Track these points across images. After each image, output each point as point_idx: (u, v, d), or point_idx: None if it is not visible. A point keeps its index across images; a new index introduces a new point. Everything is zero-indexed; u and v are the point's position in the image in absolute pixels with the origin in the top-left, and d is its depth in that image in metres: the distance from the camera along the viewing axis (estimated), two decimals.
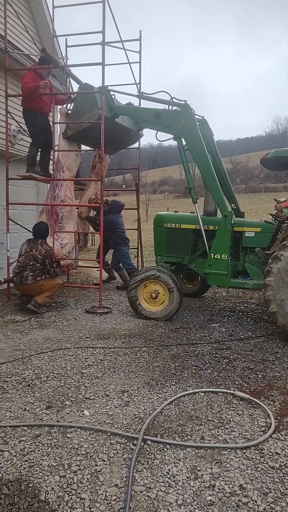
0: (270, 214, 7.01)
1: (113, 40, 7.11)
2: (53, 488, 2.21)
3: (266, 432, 2.78)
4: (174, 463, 2.45)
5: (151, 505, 2.12)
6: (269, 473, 2.38)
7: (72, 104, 6.23)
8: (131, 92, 6.32)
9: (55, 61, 6.20)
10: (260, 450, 2.60)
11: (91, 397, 3.25)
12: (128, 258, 7.49)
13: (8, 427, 2.79)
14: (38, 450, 2.54)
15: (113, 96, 6.05)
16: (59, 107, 6.78)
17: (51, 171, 7.01)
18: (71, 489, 2.21)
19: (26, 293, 5.85)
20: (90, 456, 2.49)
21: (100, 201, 6.66)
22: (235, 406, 3.18)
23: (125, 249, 7.45)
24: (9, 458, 2.46)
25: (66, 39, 7.63)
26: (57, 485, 2.23)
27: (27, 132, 6.74)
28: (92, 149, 7.03)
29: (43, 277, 5.80)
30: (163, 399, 3.24)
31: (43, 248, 5.76)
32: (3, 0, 6.36)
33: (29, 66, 7.14)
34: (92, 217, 7.61)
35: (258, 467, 2.44)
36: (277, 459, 2.52)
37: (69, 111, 6.34)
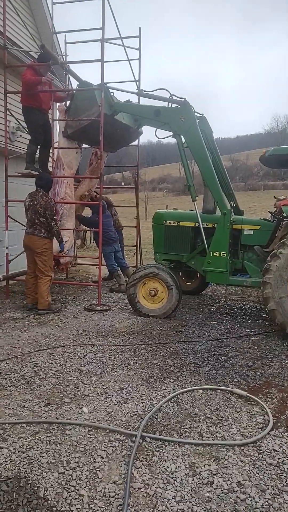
0: (269, 212, 7.00)
1: (113, 37, 7.08)
2: (52, 485, 2.22)
3: (264, 429, 2.80)
4: (172, 460, 2.46)
5: (150, 501, 2.13)
6: (267, 470, 2.39)
7: (71, 102, 6.19)
8: (130, 90, 6.30)
9: (54, 58, 6.17)
10: (258, 447, 2.61)
11: (90, 394, 3.26)
12: (109, 258, 7.29)
13: (7, 424, 2.80)
14: (37, 447, 2.54)
15: (112, 94, 6.03)
16: (58, 104, 6.76)
17: (50, 168, 6.99)
18: (70, 485, 2.22)
19: (31, 247, 5.67)
20: (89, 453, 2.50)
21: (95, 199, 6.66)
22: (233, 403, 3.19)
23: (108, 249, 7.23)
24: (8, 455, 2.47)
25: (65, 35, 7.59)
26: (56, 482, 2.24)
27: (26, 129, 6.72)
28: (91, 147, 6.99)
29: (51, 236, 5.71)
30: (161, 396, 3.25)
31: (43, 200, 5.64)
32: None
33: (28, 62, 7.11)
34: (82, 216, 7.49)
35: (256, 464, 2.45)
36: (275, 456, 2.53)
37: (68, 109, 6.30)
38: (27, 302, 5.89)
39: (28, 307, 5.81)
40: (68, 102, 6.45)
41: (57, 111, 6.73)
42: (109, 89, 5.96)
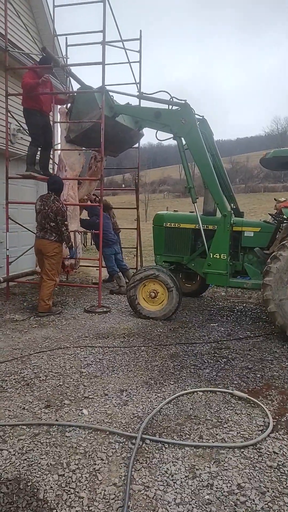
0: (269, 214, 7.01)
1: (114, 40, 7.11)
2: (51, 487, 2.22)
3: (264, 432, 2.79)
4: (172, 462, 2.46)
5: (150, 504, 2.13)
6: (267, 472, 2.39)
7: (73, 106, 6.20)
8: (131, 92, 6.33)
9: (55, 60, 6.19)
10: (258, 450, 2.61)
11: (90, 396, 3.26)
12: (109, 260, 7.29)
13: (7, 426, 2.79)
14: (37, 449, 2.54)
15: (112, 97, 6.05)
16: (59, 106, 6.77)
17: (50, 170, 7.00)
18: (69, 488, 2.22)
19: (42, 250, 5.65)
20: (89, 455, 2.49)
21: (94, 201, 6.65)
22: (233, 405, 3.19)
23: (108, 250, 7.22)
24: (8, 456, 2.46)
25: (66, 38, 7.62)
26: (56, 484, 2.24)
27: (27, 131, 6.74)
28: (92, 149, 6.98)
29: (61, 241, 5.68)
30: (161, 398, 3.25)
31: (55, 205, 5.60)
32: None
33: (29, 65, 7.13)
34: (81, 219, 7.47)
35: (256, 466, 2.44)
36: (275, 458, 2.53)
37: (69, 113, 6.31)
38: (40, 310, 5.71)
39: (40, 315, 5.61)
40: (69, 105, 6.47)
41: (58, 114, 6.75)
42: (109, 92, 5.98)
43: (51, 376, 3.63)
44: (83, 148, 6.76)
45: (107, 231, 7.19)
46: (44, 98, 6.37)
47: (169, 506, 2.11)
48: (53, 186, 5.82)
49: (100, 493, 2.18)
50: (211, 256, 5.41)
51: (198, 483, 2.28)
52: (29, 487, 2.21)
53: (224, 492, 2.22)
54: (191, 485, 2.26)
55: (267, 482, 2.31)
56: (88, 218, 7.60)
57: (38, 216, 5.73)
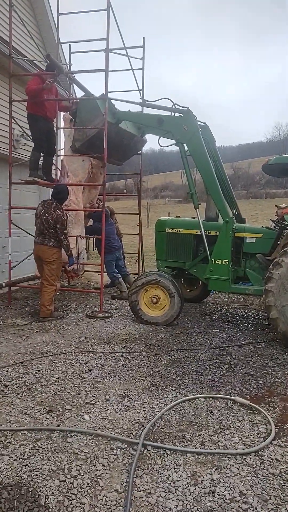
0: (271, 220, 7.02)
1: (117, 47, 7.18)
2: (53, 493, 2.21)
3: (267, 439, 2.78)
4: (174, 468, 2.45)
5: (151, 510, 2.12)
6: (269, 480, 2.38)
7: (76, 115, 6.23)
8: (133, 99, 6.37)
9: (59, 67, 6.26)
10: (260, 457, 2.60)
11: (91, 402, 3.25)
12: (110, 267, 7.29)
13: (8, 431, 2.79)
14: (38, 455, 2.54)
15: (113, 104, 6.11)
16: (62, 113, 6.83)
17: (53, 176, 7.04)
18: (71, 493, 2.21)
19: (41, 256, 5.64)
20: (90, 461, 2.49)
21: (98, 207, 6.65)
22: (235, 412, 3.18)
23: (109, 257, 7.21)
24: (9, 462, 2.46)
25: (70, 45, 7.70)
26: (57, 490, 2.23)
27: (30, 136, 6.80)
28: (96, 155, 7.00)
29: (60, 246, 5.66)
30: (163, 405, 3.24)
31: (55, 213, 5.57)
32: (9, 7, 6.44)
33: (33, 72, 7.21)
34: (86, 226, 7.48)
35: (258, 473, 2.43)
36: (277, 465, 2.51)
37: (73, 118, 6.35)
38: (42, 315, 5.68)
39: (42, 320, 5.60)
40: (72, 112, 6.51)
41: (62, 120, 6.80)
42: (111, 100, 6.03)
43: (53, 381, 3.63)
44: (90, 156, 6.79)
45: (110, 237, 7.21)
46: (49, 104, 6.43)
47: None
48: (58, 196, 5.79)
49: (102, 499, 2.17)
50: (213, 262, 5.42)
51: (200, 490, 2.27)
52: (30, 492, 2.21)
53: (226, 499, 2.20)
54: (192, 492, 2.25)
55: (270, 489, 2.30)
56: (92, 224, 7.62)
57: (38, 220, 5.71)
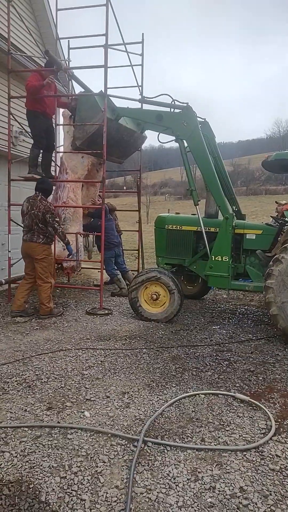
0: (271, 216, 7.02)
1: (116, 43, 7.13)
2: (53, 489, 2.21)
3: (267, 435, 2.78)
4: (174, 464, 2.45)
5: (152, 506, 2.12)
6: (269, 476, 2.38)
7: (76, 114, 6.20)
8: (133, 95, 6.35)
9: (58, 63, 6.22)
10: (260, 453, 2.60)
11: (91, 399, 3.26)
12: (109, 264, 7.23)
13: (9, 428, 2.79)
14: (39, 451, 2.54)
15: (112, 102, 6.08)
16: (61, 110, 6.80)
17: (52, 173, 7.02)
18: (71, 490, 2.21)
19: (30, 254, 5.56)
20: (91, 458, 2.49)
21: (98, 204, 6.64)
22: (235, 408, 3.18)
23: (108, 253, 7.13)
24: (10, 459, 2.46)
25: (68, 41, 7.66)
26: (58, 486, 2.24)
27: (29, 133, 6.77)
28: (96, 152, 6.97)
29: (50, 242, 5.61)
30: (163, 401, 3.24)
31: (42, 204, 5.47)
32: (7, 2, 6.40)
33: (32, 68, 7.17)
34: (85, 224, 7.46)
35: (258, 469, 2.44)
36: (278, 461, 2.52)
37: (73, 120, 6.31)
38: (13, 309, 5.64)
39: (13, 314, 5.57)
40: (71, 109, 6.48)
41: (61, 117, 6.77)
42: (110, 97, 6.00)
43: (53, 378, 3.63)
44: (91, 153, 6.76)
45: (110, 232, 7.17)
46: (48, 100, 6.40)
47: (171, 509, 2.11)
48: (40, 186, 5.72)
49: (102, 495, 2.18)
50: (213, 259, 5.41)
51: (200, 486, 2.27)
52: (31, 489, 2.21)
53: (226, 495, 2.21)
54: (193, 488, 2.26)
55: (270, 485, 2.30)
56: (91, 221, 7.60)
57: (25, 218, 5.62)
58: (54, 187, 6.48)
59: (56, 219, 5.60)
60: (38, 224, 5.49)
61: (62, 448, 2.58)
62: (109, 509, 2.09)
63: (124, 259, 8.24)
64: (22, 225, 5.77)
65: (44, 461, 2.44)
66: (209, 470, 2.41)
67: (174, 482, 2.30)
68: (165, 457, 2.53)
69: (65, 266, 6.55)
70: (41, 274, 5.57)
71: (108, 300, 6.85)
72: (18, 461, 2.44)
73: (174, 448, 2.62)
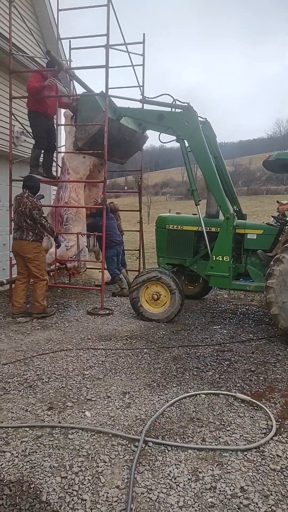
0: (272, 216, 7.00)
1: (117, 43, 7.13)
2: (54, 489, 2.22)
3: (268, 435, 2.78)
4: (175, 464, 2.46)
5: (152, 506, 2.12)
6: (270, 476, 2.38)
7: (77, 114, 6.20)
8: (134, 95, 6.36)
9: (59, 64, 6.23)
10: (261, 452, 2.60)
11: (92, 399, 3.26)
12: (111, 263, 7.22)
13: (10, 428, 2.80)
14: (40, 451, 2.54)
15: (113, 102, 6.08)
16: (63, 110, 6.80)
17: (54, 173, 7.03)
18: (72, 490, 2.22)
19: (21, 252, 5.52)
20: (92, 458, 2.49)
21: (100, 204, 6.64)
22: (236, 408, 3.18)
23: (110, 252, 7.13)
24: (11, 458, 2.47)
25: (70, 41, 7.65)
26: (59, 486, 2.24)
27: (31, 134, 6.77)
28: (97, 152, 6.97)
29: (40, 239, 5.58)
30: (164, 401, 3.25)
31: (28, 201, 5.45)
32: (9, 3, 6.40)
33: (33, 68, 7.17)
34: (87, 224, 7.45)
35: (259, 469, 2.44)
36: (278, 461, 2.52)
37: (74, 121, 6.31)
38: (13, 311, 5.61)
39: (14, 316, 5.57)
40: (72, 110, 6.48)
41: (63, 117, 6.77)
42: (111, 97, 6.00)
43: (54, 378, 3.64)
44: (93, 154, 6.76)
45: (111, 231, 7.17)
46: (50, 101, 6.40)
47: (172, 509, 2.11)
48: (27, 183, 5.71)
49: (103, 495, 2.18)
50: (214, 259, 5.41)
51: (201, 486, 2.27)
52: (32, 489, 2.22)
53: (227, 495, 2.21)
54: (194, 488, 2.26)
55: (271, 485, 2.30)
56: (92, 220, 7.60)
57: (14, 215, 5.63)
58: (55, 188, 6.49)
59: (43, 215, 5.59)
60: (27, 221, 5.46)
61: (63, 448, 2.58)
62: (110, 509, 2.10)
63: (125, 258, 8.25)
64: (13, 223, 5.73)
65: (45, 461, 2.45)
66: (210, 470, 2.41)
67: (175, 482, 2.30)
68: (166, 457, 2.53)
69: (69, 267, 6.54)
70: (35, 273, 5.55)
71: (109, 300, 6.85)
72: (19, 461, 2.44)
73: (175, 448, 2.62)
